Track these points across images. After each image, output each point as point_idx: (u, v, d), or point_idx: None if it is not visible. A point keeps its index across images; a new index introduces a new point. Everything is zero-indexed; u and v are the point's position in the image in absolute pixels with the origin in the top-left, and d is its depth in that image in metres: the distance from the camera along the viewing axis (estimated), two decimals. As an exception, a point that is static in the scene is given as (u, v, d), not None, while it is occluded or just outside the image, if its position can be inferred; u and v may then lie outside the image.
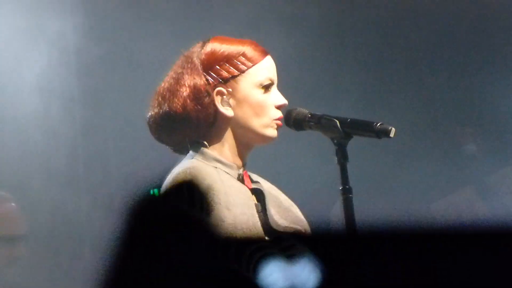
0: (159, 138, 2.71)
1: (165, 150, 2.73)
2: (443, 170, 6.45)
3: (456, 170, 6.52)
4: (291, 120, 2.70)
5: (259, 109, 2.67)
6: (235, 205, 2.63)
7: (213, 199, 2.59)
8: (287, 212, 2.75)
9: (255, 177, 2.77)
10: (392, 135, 2.65)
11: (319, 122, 2.67)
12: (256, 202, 2.67)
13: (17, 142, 5.99)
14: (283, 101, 2.70)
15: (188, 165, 2.62)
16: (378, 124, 2.63)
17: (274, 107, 2.68)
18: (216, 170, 2.64)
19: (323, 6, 6.51)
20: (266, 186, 2.77)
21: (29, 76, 6.05)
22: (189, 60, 2.67)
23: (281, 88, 2.81)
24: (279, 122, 2.67)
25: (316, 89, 5.77)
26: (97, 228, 6.36)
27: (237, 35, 2.91)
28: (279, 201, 2.76)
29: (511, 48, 6.74)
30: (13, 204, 5.57)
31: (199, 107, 2.62)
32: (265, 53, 2.72)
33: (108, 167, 6.45)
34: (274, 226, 2.67)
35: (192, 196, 2.61)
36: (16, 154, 6.05)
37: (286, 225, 2.70)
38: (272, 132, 2.67)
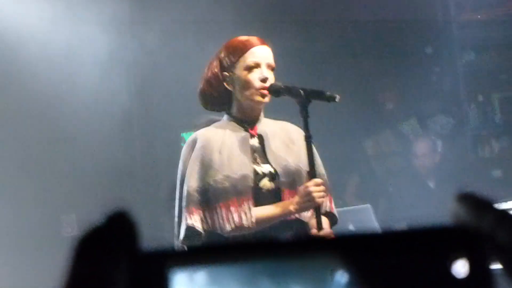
0: (205, 108, 3.46)
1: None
2: (372, 119, 7.78)
3: (380, 119, 7.88)
4: (271, 91, 3.33)
5: (245, 84, 3.31)
6: (227, 148, 3.25)
7: (208, 146, 3.24)
8: (282, 151, 3.36)
9: (268, 125, 3.40)
10: (337, 100, 3.26)
11: (290, 91, 3.30)
12: (257, 144, 3.33)
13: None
14: (263, 76, 3.29)
15: (202, 129, 3.37)
16: (328, 93, 3.26)
17: (257, 80, 3.29)
18: (226, 125, 3.33)
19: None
20: (273, 131, 3.39)
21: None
22: (216, 54, 3.42)
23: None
24: (264, 91, 3.29)
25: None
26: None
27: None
28: (277, 142, 3.38)
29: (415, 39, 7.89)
30: None
31: (215, 86, 3.35)
32: (258, 43, 3.35)
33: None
34: (268, 159, 3.31)
35: (191, 149, 3.27)
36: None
37: (274, 159, 3.32)
38: (257, 98, 3.31)
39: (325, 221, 3.38)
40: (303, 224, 3.32)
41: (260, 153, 3.34)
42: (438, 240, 0.63)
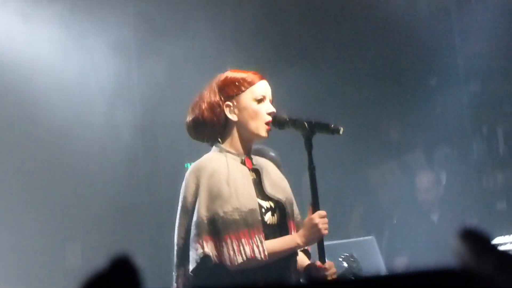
0: (192, 137, 3.46)
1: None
2: (376, 150, 7.79)
3: (384, 150, 7.89)
4: (276, 122, 3.39)
5: (254, 114, 3.33)
6: (234, 180, 3.23)
7: (216, 177, 3.22)
8: (276, 185, 3.42)
9: (257, 160, 3.45)
10: (341, 132, 3.32)
11: (294, 123, 3.37)
12: (255, 177, 3.35)
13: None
14: (272, 109, 3.37)
15: (205, 156, 3.37)
16: (332, 125, 3.32)
17: (265, 113, 3.35)
18: (225, 157, 3.30)
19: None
20: (265, 165, 3.44)
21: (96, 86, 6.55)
22: (211, 84, 3.42)
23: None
24: (268, 126, 3.35)
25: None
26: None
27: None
28: (272, 176, 3.43)
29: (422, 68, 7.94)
30: None
31: (213, 115, 3.34)
32: (261, 78, 3.40)
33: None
34: (267, 193, 3.34)
35: (199, 178, 3.25)
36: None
37: (274, 194, 3.37)
38: (263, 133, 3.35)
39: (302, 256, 3.45)
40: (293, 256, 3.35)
41: (259, 186, 3.36)
42: (440, 283, 0.63)
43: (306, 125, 3.35)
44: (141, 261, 7.22)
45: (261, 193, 3.35)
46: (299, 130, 3.37)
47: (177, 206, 3.36)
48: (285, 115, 3.41)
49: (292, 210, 3.43)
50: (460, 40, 7.82)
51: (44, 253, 6.64)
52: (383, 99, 7.82)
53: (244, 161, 3.38)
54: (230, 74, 3.44)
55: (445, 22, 7.83)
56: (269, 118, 3.36)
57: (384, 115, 7.87)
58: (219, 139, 3.41)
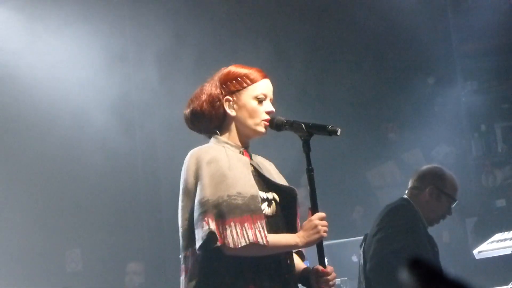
0: (189, 127, 3.42)
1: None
2: (374, 150, 7.81)
3: (383, 149, 7.92)
4: (273, 125, 3.32)
5: (253, 113, 3.30)
6: (235, 167, 3.22)
7: (217, 163, 3.20)
8: (275, 178, 3.37)
9: (255, 156, 3.42)
10: (339, 134, 3.25)
11: (292, 126, 3.31)
12: (253, 169, 3.31)
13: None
14: (271, 108, 3.32)
15: (203, 145, 3.33)
16: (330, 127, 3.25)
17: (264, 112, 3.30)
18: (223, 147, 3.29)
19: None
20: (262, 161, 3.43)
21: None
22: (213, 77, 3.38)
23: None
24: (266, 122, 3.30)
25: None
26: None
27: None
28: (271, 171, 3.41)
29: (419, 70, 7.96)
30: None
31: (212, 108, 3.31)
32: (264, 76, 3.37)
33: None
34: (266, 185, 3.30)
35: (200, 161, 3.22)
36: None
37: (273, 185, 3.32)
38: (261, 129, 3.31)
39: (296, 259, 3.41)
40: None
41: (257, 178, 3.32)
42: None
43: (304, 127, 3.31)
44: (142, 264, 7.21)
45: (260, 184, 3.30)
46: (296, 132, 3.34)
47: (177, 211, 3.35)
48: (282, 118, 3.37)
49: (296, 202, 3.36)
50: (458, 38, 7.83)
51: (45, 257, 6.65)
52: (381, 99, 7.84)
53: (243, 152, 3.36)
54: (234, 69, 3.40)
55: (442, 21, 7.85)
56: (267, 117, 3.32)
57: (382, 114, 7.89)
58: (217, 132, 3.38)
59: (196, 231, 3.18)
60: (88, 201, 6.74)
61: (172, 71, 6.87)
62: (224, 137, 3.37)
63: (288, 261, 3.35)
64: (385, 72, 7.83)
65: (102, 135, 6.60)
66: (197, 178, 3.22)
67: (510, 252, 5.08)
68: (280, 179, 3.40)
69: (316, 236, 3.25)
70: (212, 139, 3.39)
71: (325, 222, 3.29)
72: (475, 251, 5.24)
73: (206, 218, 3.13)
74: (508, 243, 5.21)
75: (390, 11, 7.55)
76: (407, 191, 4.79)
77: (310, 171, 3.33)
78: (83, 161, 6.58)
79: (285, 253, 3.31)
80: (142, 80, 6.85)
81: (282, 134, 3.47)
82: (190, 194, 3.25)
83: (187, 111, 3.40)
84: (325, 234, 3.28)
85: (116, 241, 7.00)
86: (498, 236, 5.38)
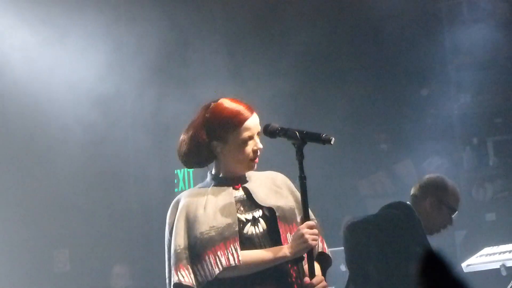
0: (188, 167, 3.66)
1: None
2: (366, 160, 7.83)
3: (374, 160, 7.93)
4: (267, 132, 3.36)
5: (241, 156, 3.33)
6: (212, 204, 3.31)
7: (192, 206, 3.30)
8: (273, 193, 3.40)
9: (251, 176, 3.43)
10: (332, 142, 3.29)
11: (286, 133, 3.33)
12: (243, 194, 3.37)
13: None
14: (259, 145, 3.34)
15: (189, 189, 3.55)
16: (324, 135, 3.29)
17: (252, 151, 3.33)
18: (210, 187, 3.37)
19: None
20: (260, 178, 3.44)
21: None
22: (199, 114, 3.40)
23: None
24: (255, 160, 3.34)
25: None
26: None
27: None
28: (269, 186, 3.43)
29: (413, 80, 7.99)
30: None
31: (200, 152, 3.36)
32: (251, 113, 3.35)
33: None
34: (260, 202, 3.35)
35: (176, 207, 3.35)
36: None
37: (269, 201, 3.36)
38: (249, 167, 3.37)
39: (316, 267, 3.38)
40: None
41: (245, 202, 3.37)
42: None
43: (298, 134, 3.33)
44: (131, 266, 7.21)
45: (247, 207, 3.37)
46: (290, 139, 3.36)
47: (166, 214, 3.42)
48: (276, 125, 3.40)
49: (292, 215, 3.39)
50: (452, 51, 7.86)
51: (32, 257, 6.64)
52: (374, 109, 7.86)
53: (234, 185, 3.42)
54: (219, 111, 3.40)
55: (437, 34, 7.88)
56: (255, 156, 3.36)
57: (374, 125, 7.91)
58: (210, 166, 3.47)
59: (167, 281, 3.34)
60: (77, 201, 6.73)
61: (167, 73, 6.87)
62: (217, 173, 3.43)
63: (295, 268, 3.34)
64: (379, 83, 7.85)
65: (91, 135, 6.59)
66: (172, 223, 3.35)
67: (498, 267, 5.08)
68: (278, 195, 3.42)
69: (304, 245, 3.27)
70: (208, 174, 3.48)
71: (314, 231, 3.30)
72: (463, 264, 5.25)
73: (175, 269, 3.24)
74: (496, 257, 5.22)
75: (384, 23, 7.57)
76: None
77: (302, 179, 3.33)
78: (72, 161, 6.57)
79: (293, 261, 3.32)
80: (135, 80, 6.83)
81: (276, 141, 3.48)
82: (171, 233, 3.34)
83: (179, 150, 3.45)
84: (314, 243, 3.29)
85: (105, 242, 6.99)
86: (487, 250, 5.40)
